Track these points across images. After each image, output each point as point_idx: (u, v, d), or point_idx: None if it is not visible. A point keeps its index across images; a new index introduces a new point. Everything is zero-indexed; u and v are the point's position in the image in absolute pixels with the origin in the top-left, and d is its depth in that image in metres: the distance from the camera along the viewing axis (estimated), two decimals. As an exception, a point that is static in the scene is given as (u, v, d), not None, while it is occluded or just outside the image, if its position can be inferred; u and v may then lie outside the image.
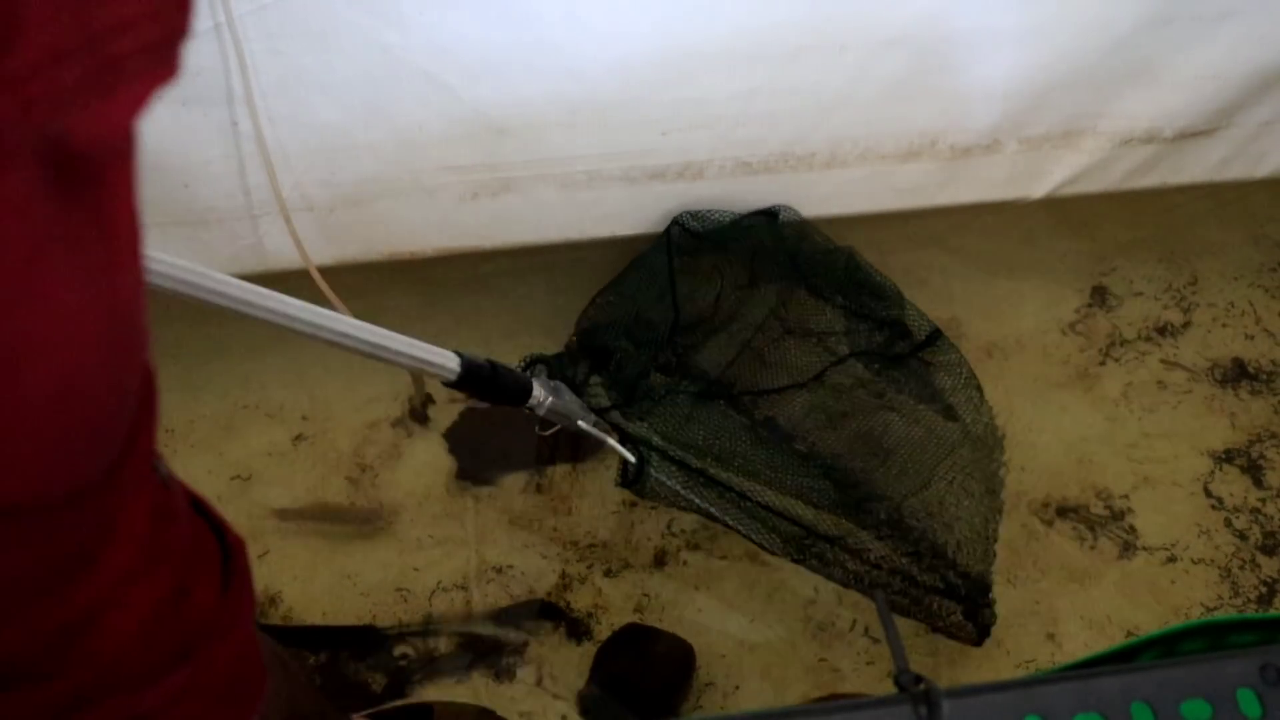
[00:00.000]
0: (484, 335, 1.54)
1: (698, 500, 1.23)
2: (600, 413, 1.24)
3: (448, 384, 1.02)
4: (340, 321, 0.87)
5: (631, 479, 1.24)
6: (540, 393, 1.13)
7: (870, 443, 1.31)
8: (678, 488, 1.24)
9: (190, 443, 1.45)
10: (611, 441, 1.22)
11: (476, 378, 1.03)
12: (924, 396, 1.35)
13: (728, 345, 1.39)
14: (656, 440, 1.25)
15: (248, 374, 1.52)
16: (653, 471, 1.23)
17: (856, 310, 1.42)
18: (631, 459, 1.23)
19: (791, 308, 1.43)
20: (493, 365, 1.06)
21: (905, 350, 1.38)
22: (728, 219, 1.42)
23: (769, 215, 1.44)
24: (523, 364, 1.28)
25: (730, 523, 1.23)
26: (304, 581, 1.36)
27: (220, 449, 1.46)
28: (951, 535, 1.25)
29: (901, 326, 1.40)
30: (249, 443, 1.47)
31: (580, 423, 1.18)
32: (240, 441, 1.47)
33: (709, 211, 1.42)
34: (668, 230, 1.41)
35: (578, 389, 1.24)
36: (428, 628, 1.32)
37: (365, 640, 1.30)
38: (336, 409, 1.50)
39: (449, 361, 1.00)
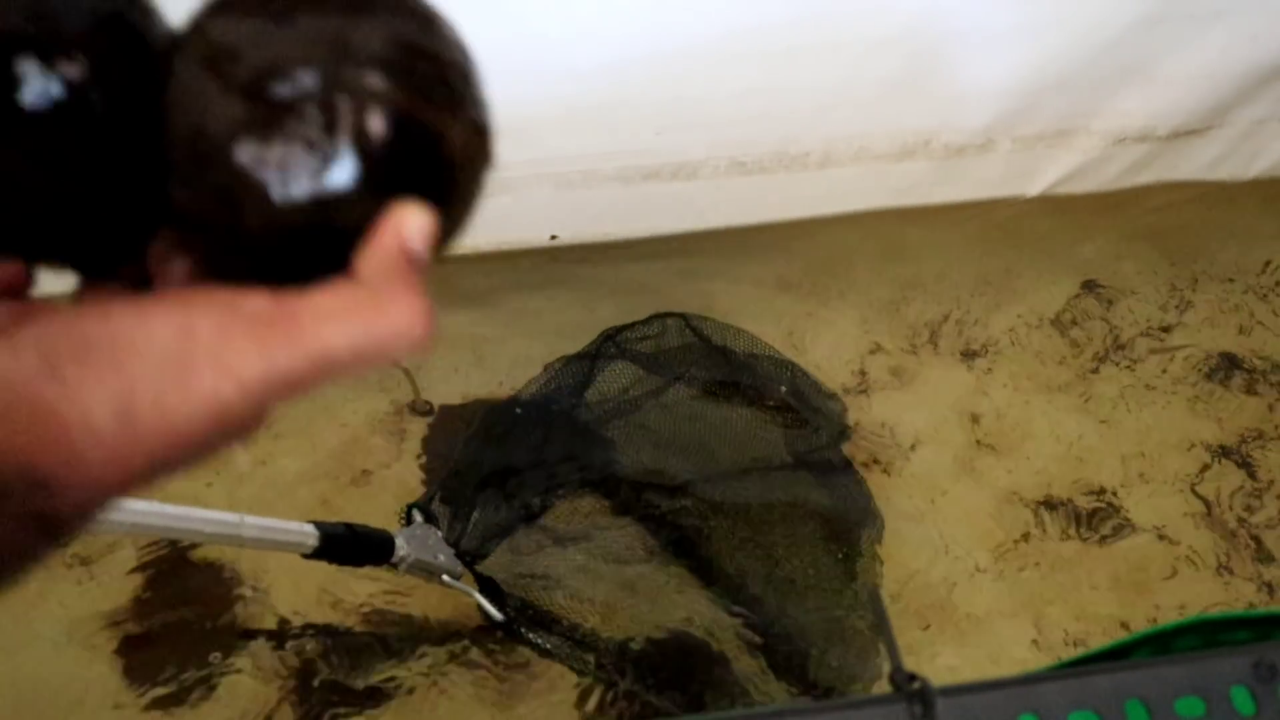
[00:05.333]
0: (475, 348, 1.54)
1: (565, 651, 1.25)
2: (472, 560, 1.26)
3: (307, 555, 1.05)
4: (190, 517, 0.89)
5: (501, 625, 1.26)
6: (403, 548, 1.15)
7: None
8: (547, 646, 1.26)
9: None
10: (476, 596, 1.24)
11: (336, 544, 1.06)
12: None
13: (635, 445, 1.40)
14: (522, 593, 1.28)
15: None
16: (524, 632, 1.26)
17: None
18: (498, 617, 1.24)
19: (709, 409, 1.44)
20: (351, 529, 1.08)
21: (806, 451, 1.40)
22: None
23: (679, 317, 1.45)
24: (402, 514, 1.29)
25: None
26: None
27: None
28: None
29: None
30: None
31: (444, 577, 1.20)
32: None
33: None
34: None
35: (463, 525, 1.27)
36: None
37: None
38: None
39: (307, 537, 1.02)
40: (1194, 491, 1.47)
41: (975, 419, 1.51)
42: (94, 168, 0.31)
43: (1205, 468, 1.49)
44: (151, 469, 0.30)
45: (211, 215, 0.31)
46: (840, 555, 1.33)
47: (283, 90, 0.30)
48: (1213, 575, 1.40)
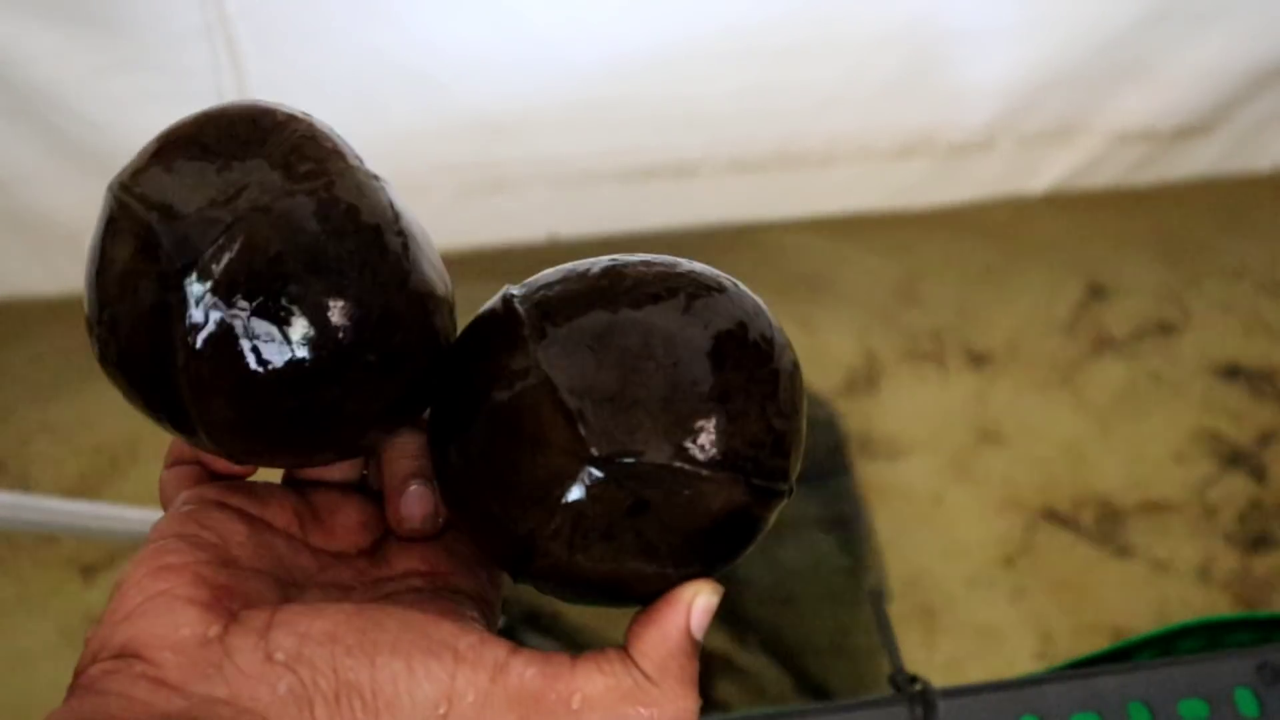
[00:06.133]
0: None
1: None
2: None
3: None
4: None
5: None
6: None
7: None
8: (547, 649, 1.25)
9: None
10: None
11: None
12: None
13: None
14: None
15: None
16: (525, 635, 1.25)
17: None
18: (499, 619, 1.24)
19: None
20: None
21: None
22: None
23: None
24: None
25: None
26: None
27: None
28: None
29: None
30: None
31: None
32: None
33: None
34: None
35: None
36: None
37: None
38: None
39: None
40: (1199, 494, 1.47)
41: (976, 420, 1.50)
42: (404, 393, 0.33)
43: (1211, 470, 1.48)
44: None
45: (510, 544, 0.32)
46: (840, 559, 1.33)
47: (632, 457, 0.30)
48: (1216, 577, 1.40)
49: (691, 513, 0.30)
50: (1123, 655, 0.56)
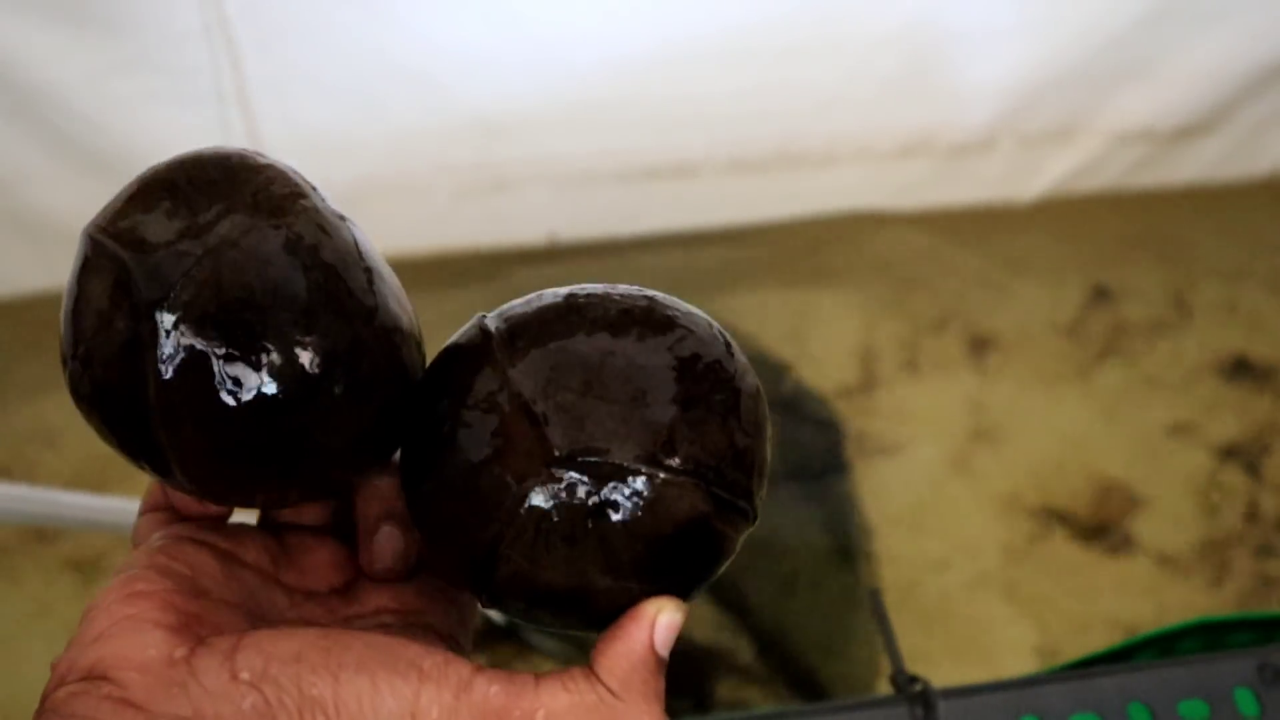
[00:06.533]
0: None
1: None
2: None
3: None
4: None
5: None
6: None
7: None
8: (550, 649, 1.26)
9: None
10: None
11: None
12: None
13: None
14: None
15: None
16: (527, 636, 1.25)
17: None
18: (500, 619, 1.24)
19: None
20: None
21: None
22: None
23: None
24: None
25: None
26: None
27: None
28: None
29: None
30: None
31: None
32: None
33: None
34: None
35: None
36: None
37: None
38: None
39: None
40: (1200, 492, 1.47)
41: (977, 420, 1.50)
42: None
43: (1212, 468, 1.48)
44: None
45: (467, 560, 0.32)
46: (840, 558, 1.33)
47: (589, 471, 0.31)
48: (1218, 577, 1.40)
49: (654, 519, 0.31)
50: (1123, 655, 0.56)
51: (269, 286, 0.30)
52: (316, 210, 0.33)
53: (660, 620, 0.31)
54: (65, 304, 0.32)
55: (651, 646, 0.31)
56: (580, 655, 1.26)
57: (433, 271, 1.47)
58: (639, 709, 0.30)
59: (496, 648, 1.31)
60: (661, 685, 0.31)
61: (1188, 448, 1.51)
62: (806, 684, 1.24)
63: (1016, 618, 1.36)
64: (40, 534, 1.30)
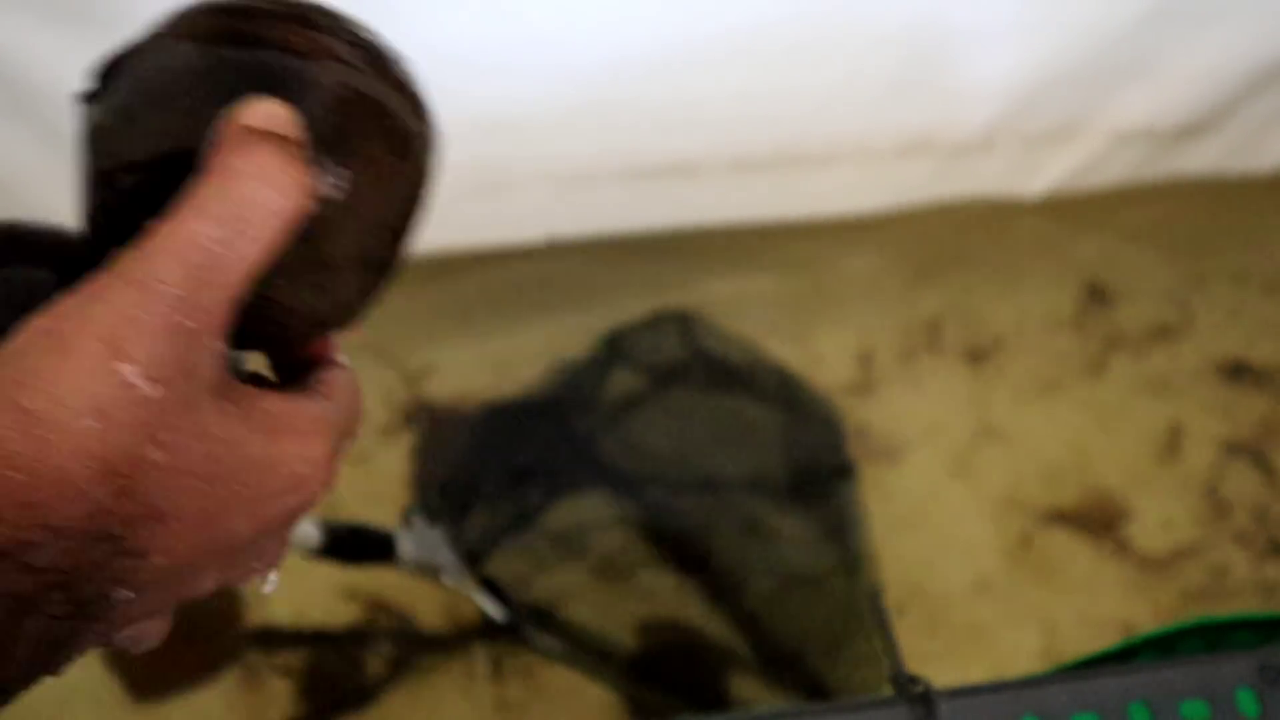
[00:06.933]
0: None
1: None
2: (474, 561, 1.26)
3: (311, 555, 1.08)
4: None
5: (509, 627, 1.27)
6: (404, 548, 1.18)
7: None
8: (549, 647, 1.26)
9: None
10: (478, 597, 1.24)
11: (337, 543, 1.10)
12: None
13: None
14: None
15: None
16: (526, 634, 1.26)
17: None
18: (500, 618, 1.25)
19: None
20: (351, 528, 1.13)
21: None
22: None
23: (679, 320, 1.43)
24: (402, 514, 1.29)
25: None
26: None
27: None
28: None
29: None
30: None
31: (443, 578, 1.21)
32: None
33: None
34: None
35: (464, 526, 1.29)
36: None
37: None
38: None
39: (308, 536, 1.06)
40: (1203, 493, 1.46)
41: (978, 420, 1.50)
42: None
43: (1215, 469, 1.48)
44: None
45: None
46: (840, 559, 1.33)
47: None
48: (1219, 578, 1.39)
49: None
50: (1124, 656, 0.56)
51: None
52: None
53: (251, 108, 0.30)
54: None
55: (244, 122, 0.29)
56: (585, 653, 1.27)
57: (432, 271, 1.47)
58: (253, 156, 0.29)
59: (496, 647, 1.31)
60: (292, 152, 0.29)
61: (1188, 448, 1.51)
62: (807, 684, 1.25)
63: (1017, 618, 1.35)
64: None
